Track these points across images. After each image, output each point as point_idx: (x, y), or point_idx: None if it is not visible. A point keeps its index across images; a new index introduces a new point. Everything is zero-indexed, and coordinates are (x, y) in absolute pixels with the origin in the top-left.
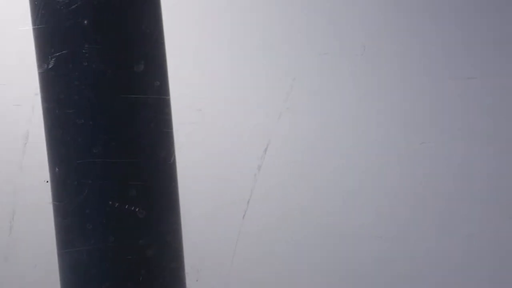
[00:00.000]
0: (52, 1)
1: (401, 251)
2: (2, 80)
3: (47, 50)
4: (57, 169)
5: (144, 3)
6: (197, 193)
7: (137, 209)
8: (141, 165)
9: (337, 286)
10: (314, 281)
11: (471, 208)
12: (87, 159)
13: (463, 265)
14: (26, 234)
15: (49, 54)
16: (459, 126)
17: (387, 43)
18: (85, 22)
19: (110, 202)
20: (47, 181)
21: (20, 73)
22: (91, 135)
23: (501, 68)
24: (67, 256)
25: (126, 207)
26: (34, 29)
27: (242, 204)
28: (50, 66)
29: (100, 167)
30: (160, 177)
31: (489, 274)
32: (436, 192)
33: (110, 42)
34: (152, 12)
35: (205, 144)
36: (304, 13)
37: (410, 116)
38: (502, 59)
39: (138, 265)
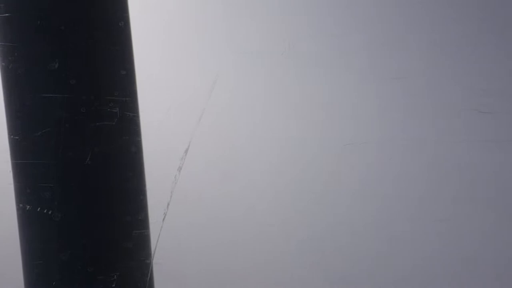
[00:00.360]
0: None
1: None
2: None
3: None
4: None
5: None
6: None
7: (50, 212)
8: (55, 167)
9: (258, 286)
10: (237, 281)
11: (401, 206)
12: None
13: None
14: None
15: None
16: (386, 126)
17: (310, 42)
18: None
19: (21, 205)
20: None
21: None
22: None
23: (427, 69)
24: None
25: (39, 209)
26: None
27: (161, 206)
28: None
29: (11, 168)
30: (76, 179)
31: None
32: (363, 192)
33: (23, 39)
34: (71, 9)
35: None
36: (227, 12)
37: (333, 115)
38: (429, 61)
39: (52, 269)
